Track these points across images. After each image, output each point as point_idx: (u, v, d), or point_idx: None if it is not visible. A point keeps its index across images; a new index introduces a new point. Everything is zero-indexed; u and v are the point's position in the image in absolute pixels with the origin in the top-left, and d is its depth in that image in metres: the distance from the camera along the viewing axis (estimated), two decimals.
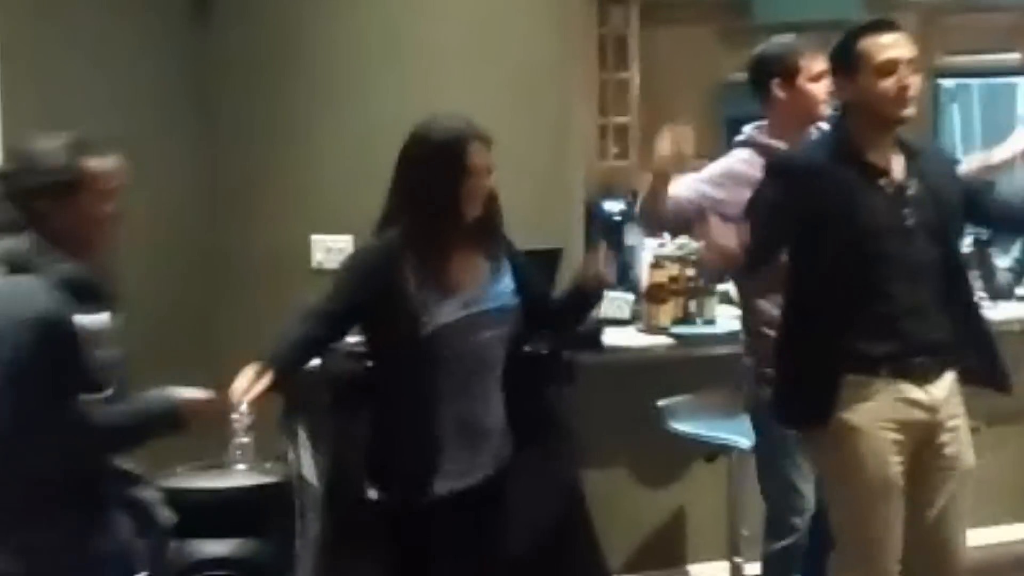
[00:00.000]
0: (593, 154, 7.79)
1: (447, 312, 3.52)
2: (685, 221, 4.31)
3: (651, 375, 5.13)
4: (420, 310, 3.50)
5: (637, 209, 4.45)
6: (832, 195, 3.68)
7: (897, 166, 3.76)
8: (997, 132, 8.34)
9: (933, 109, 8.42)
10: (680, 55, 8.82)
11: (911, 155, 3.79)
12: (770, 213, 3.71)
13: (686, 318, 5.41)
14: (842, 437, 3.68)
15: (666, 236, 5.35)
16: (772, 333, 4.01)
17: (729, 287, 5.14)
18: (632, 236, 5.86)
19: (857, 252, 3.66)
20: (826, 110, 4.27)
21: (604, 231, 5.75)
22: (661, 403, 4.95)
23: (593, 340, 5.02)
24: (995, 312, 5.45)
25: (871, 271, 3.66)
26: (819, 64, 4.24)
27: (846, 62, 3.73)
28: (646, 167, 4.37)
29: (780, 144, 4.29)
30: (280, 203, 5.18)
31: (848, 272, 3.65)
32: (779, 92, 4.31)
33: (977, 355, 3.79)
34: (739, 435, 4.63)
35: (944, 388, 3.77)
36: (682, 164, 4.14)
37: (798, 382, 3.77)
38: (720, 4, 9.27)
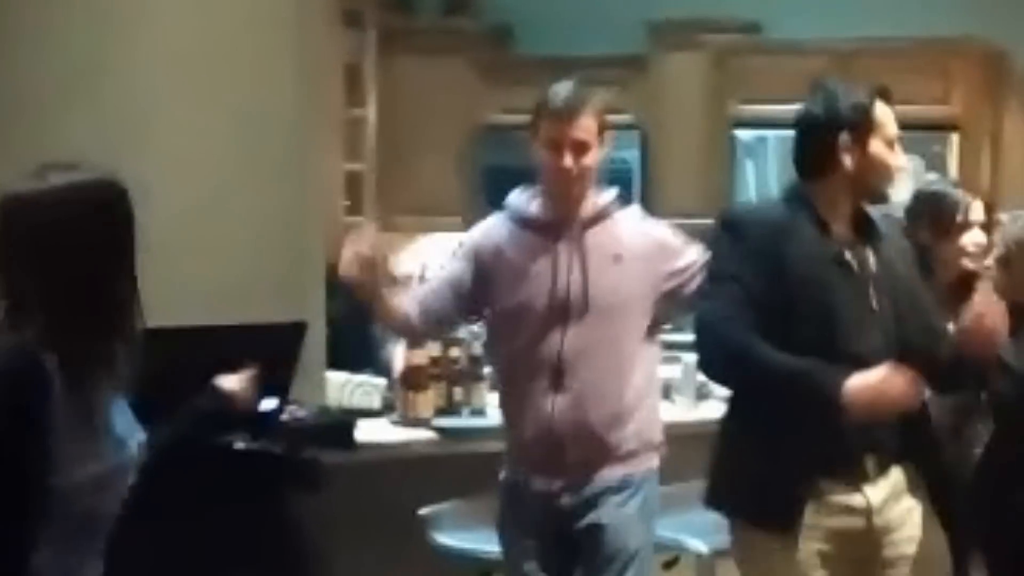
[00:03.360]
0: (339, 209, 7.82)
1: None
2: (443, 319, 4.58)
3: (410, 477, 5.17)
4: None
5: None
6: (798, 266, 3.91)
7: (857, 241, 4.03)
8: None
9: (729, 165, 8.72)
10: (431, 91, 8.95)
11: (872, 231, 4.05)
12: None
13: (451, 408, 5.49)
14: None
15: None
16: None
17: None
18: None
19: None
20: (564, 186, 4.42)
21: (350, 302, 5.79)
22: (423, 511, 4.99)
23: (342, 435, 5.04)
24: None
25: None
26: (553, 129, 4.36)
27: (863, 123, 3.95)
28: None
29: (537, 211, 4.46)
30: None
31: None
32: (533, 154, 4.45)
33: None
34: None
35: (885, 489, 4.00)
36: (379, 270, 4.37)
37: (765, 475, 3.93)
38: (477, 33, 9.45)
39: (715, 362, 4.02)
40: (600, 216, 4.46)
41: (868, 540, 3.98)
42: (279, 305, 5.15)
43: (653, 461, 4.53)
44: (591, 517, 4.43)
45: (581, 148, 4.36)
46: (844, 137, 3.95)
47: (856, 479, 3.96)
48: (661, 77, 8.94)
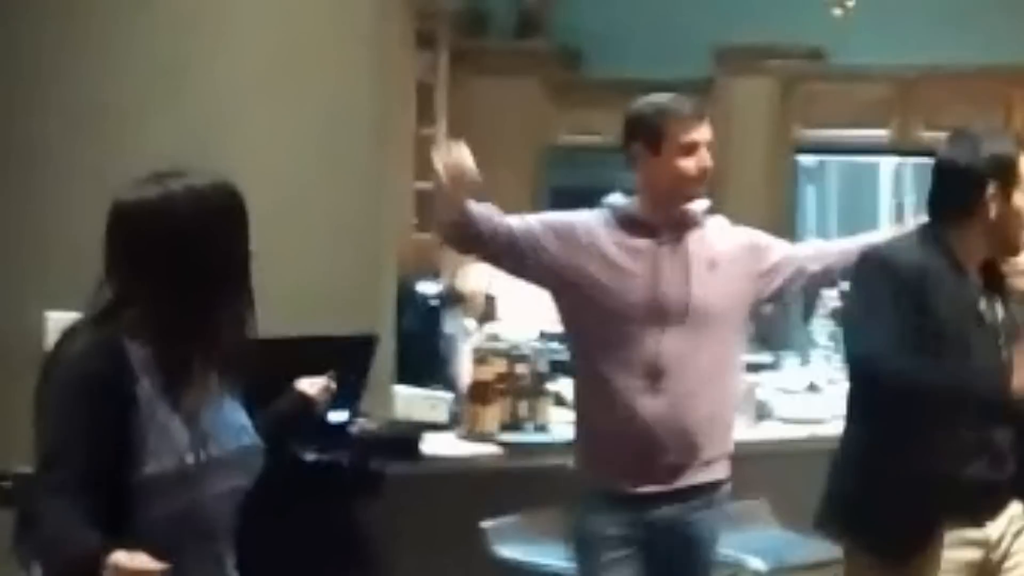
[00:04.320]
0: (409, 226, 7.85)
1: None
2: (503, 242, 4.38)
3: (475, 490, 5.17)
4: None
5: (435, 221, 4.54)
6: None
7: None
8: (855, 217, 8.73)
9: (790, 189, 8.73)
10: (500, 112, 8.97)
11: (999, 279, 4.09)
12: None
13: (515, 423, 5.48)
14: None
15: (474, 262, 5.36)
16: None
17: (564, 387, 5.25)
18: (451, 323, 5.96)
19: None
20: (696, 187, 4.44)
21: (419, 317, 5.84)
22: (486, 524, 4.99)
23: (408, 447, 5.06)
24: None
25: None
26: (693, 133, 4.38)
27: (1008, 175, 3.95)
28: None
29: (642, 214, 4.43)
30: (9, 271, 5.12)
31: None
32: (641, 159, 4.42)
33: None
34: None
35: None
36: (470, 178, 4.30)
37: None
38: (547, 55, 9.48)
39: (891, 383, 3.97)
40: (697, 222, 4.47)
41: (984, 572, 4.02)
42: (350, 318, 5.16)
43: (729, 469, 4.53)
44: (683, 528, 4.43)
45: (710, 150, 4.42)
46: (989, 187, 3.94)
47: (981, 518, 3.99)
48: (726, 101, 8.94)
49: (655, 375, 4.37)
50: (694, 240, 4.45)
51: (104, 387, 2.99)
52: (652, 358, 4.37)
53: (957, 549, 3.97)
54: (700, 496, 4.44)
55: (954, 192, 4.00)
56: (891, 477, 3.95)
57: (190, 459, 3.05)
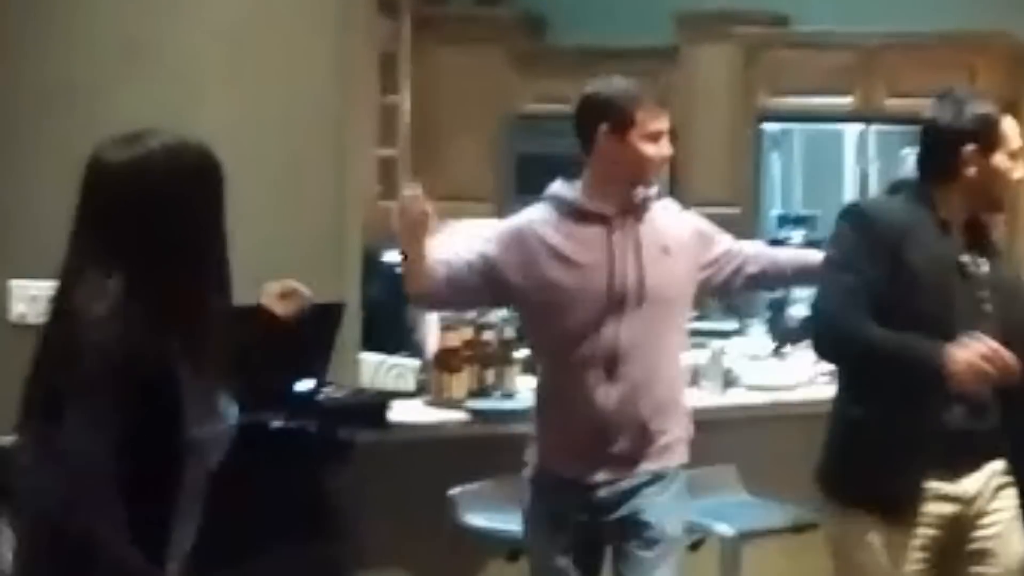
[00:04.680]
0: (373, 193, 7.81)
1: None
2: (469, 292, 4.49)
3: (442, 457, 5.15)
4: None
5: (405, 287, 4.56)
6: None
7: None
8: (820, 184, 8.73)
9: (754, 156, 8.71)
10: (464, 80, 8.94)
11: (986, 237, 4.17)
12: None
13: (482, 390, 5.47)
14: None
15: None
16: None
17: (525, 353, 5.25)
18: None
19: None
20: (655, 174, 4.46)
21: (385, 285, 5.79)
22: (454, 491, 4.98)
23: (375, 415, 5.03)
24: None
25: None
26: (658, 122, 4.40)
27: (989, 136, 4.03)
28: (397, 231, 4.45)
29: (591, 202, 4.42)
30: None
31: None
32: (604, 141, 4.40)
33: None
34: None
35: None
36: (429, 224, 4.32)
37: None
38: (510, 22, 9.44)
39: (825, 341, 4.09)
40: (646, 207, 4.46)
41: (959, 527, 4.06)
42: (316, 286, 5.10)
43: (685, 454, 4.52)
44: (628, 508, 4.41)
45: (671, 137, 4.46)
46: (969, 147, 4.02)
47: (959, 471, 4.03)
48: (690, 68, 8.93)
49: (611, 363, 4.37)
50: (644, 225, 4.45)
51: (141, 378, 2.92)
52: (611, 347, 4.37)
53: (932, 503, 4.00)
54: (648, 482, 4.43)
55: (936, 152, 4.08)
56: (871, 430, 4.01)
57: (220, 424, 3.09)
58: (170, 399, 2.95)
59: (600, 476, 4.41)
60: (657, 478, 4.43)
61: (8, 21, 5.10)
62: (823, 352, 4.23)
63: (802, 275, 4.68)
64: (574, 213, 4.44)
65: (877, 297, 3.93)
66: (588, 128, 4.41)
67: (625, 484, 4.42)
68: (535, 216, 4.49)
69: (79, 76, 5.05)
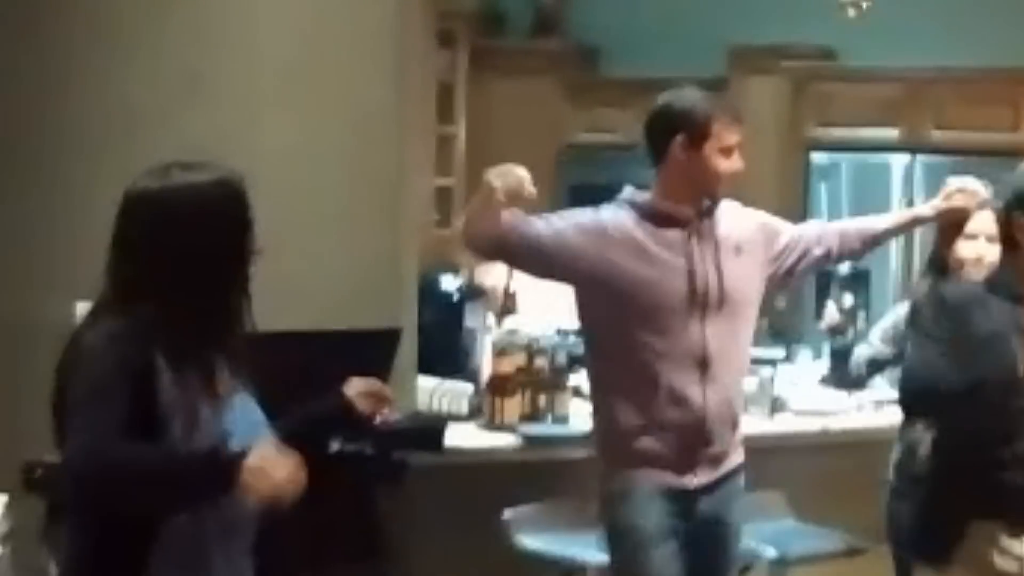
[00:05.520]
0: (430, 222, 7.87)
1: None
2: (533, 252, 4.35)
3: (495, 480, 5.17)
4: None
5: (462, 224, 4.44)
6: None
7: None
8: (866, 214, 8.68)
9: (803, 186, 8.73)
10: (518, 110, 8.98)
11: None
12: None
13: (535, 414, 5.49)
14: None
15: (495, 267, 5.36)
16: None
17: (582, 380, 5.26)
18: (472, 317, 5.96)
19: None
20: (726, 188, 4.44)
21: (440, 311, 5.84)
22: (506, 514, 5.00)
23: (432, 438, 5.06)
24: None
25: None
26: (733, 136, 4.38)
27: None
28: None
29: (671, 208, 4.40)
30: (40, 263, 5.14)
31: None
32: (679, 152, 4.37)
33: None
34: (595, 551, 4.69)
35: None
36: (528, 193, 4.24)
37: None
38: (564, 54, 9.48)
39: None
40: (713, 209, 4.46)
41: None
42: (373, 311, 5.17)
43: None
44: (724, 516, 4.46)
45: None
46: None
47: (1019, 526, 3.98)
48: (740, 100, 8.90)
49: (703, 365, 4.35)
50: (718, 226, 4.45)
51: (133, 371, 3.00)
52: (699, 348, 4.34)
53: (995, 556, 3.95)
54: (730, 481, 4.46)
55: None
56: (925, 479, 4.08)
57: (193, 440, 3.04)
58: (147, 404, 3.00)
59: (695, 481, 4.40)
60: (734, 479, 4.48)
61: (74, 50, 5.17)
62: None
63: (872, 243, 4.73)
64: (654, 216, 4.39)
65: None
66: (662, 138, 4.38)
67: (716, 489, 4.43)
68: (614, 212, 4.43)
69: (141, 103, 5.11)
